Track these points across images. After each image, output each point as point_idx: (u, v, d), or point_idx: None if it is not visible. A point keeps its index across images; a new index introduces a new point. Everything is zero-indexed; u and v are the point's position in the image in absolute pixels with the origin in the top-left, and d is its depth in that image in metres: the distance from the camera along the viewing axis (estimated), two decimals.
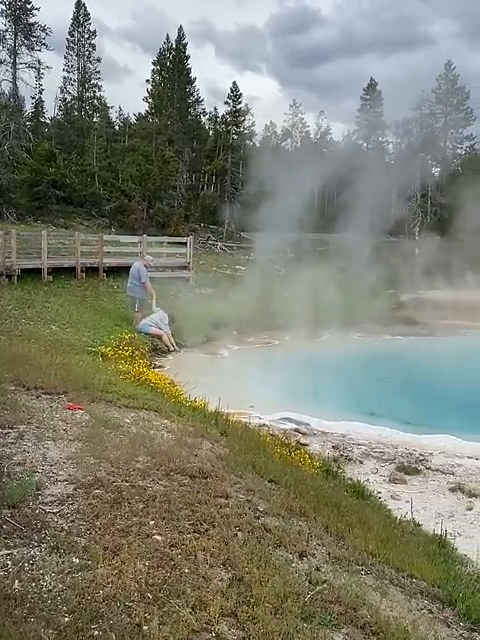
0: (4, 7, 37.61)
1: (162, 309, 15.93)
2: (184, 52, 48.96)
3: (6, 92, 39.78)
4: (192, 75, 49.92)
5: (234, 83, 48.82)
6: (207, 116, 56.09)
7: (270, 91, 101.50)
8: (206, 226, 44.24)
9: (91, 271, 20.11)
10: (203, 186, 52.79)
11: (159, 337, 15.26)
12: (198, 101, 52.45)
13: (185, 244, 24.12)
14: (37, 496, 4.07)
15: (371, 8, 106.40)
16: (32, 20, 38.50)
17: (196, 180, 52.26)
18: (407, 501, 6.92)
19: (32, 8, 38.40)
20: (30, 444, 5.01)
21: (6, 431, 5.21)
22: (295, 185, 26.85)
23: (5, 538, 3.48)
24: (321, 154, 56.73)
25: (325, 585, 3.57)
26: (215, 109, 56.68)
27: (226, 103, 49.44)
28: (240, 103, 49.28)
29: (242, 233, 43.71)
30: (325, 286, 22.88)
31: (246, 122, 51.61)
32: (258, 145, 60.05)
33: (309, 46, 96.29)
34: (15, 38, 38.25)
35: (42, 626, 2.74)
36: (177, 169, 43.61)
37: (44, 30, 38.60)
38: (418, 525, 6.23)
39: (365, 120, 57.87)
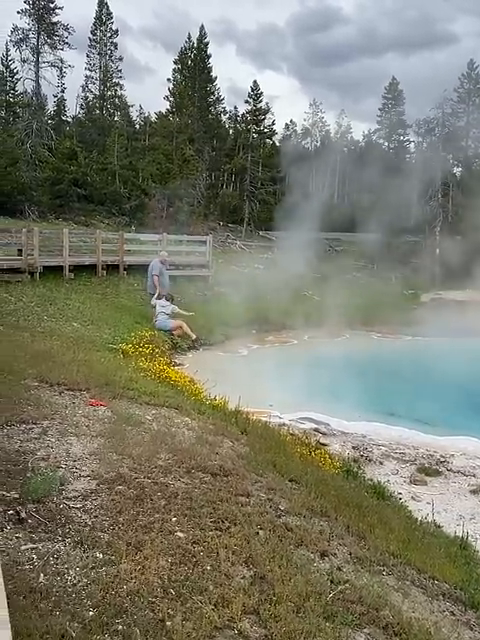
0: (28, 6, 37.90)
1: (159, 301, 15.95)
2: (205, 51, 49.12)
3: (29, 91, 40.23)
4: (213, 74, 50.11)
5: (254, 82, 48.72)
6: (227, 115, 56.24)
7: (291, 90, 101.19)
8: (225, 225, 44.28)
9: (111, 269, 20.22)
10: (222, 185, 52.83)
11: (180, 328, 15.34)
12: (219, 100, 52.64)
13: (204, 243, 24.16)
14: (61, 491, 4.12)
15: (393, 7, 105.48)
16: (55, 19, 38.79)
17: (215, 179, 52.30)
18: (428, 502, 6.88)
19: (55, 7, 38.66)
20: (53, 440, 5.07)
21: (30, 426, 5.27)
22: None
23: (30, 532, 3.52)
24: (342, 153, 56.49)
25: (347, 585, 3.56)
26: (235, 108, 56.79)
27: (246, 102, 49.47)
28: (260, 102, 49.28)
29: (261, 232, 43.70)
30: (345, 285, 22.83)
31: (266, 121, 51.55)
32: (278, 144, 60.02)
33: (330, 45, 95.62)
34: (38, 37, 38.52)
35: (67, 619, 2.77)
36: (197, 168, 43.71)
37: (67, 29, 38.85)
38: (439, 527, 6.18)
39: (386, 119, 57.52)
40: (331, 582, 3.57)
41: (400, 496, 7.09)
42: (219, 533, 3.86)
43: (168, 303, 15.79)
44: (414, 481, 7.79)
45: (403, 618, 3.36)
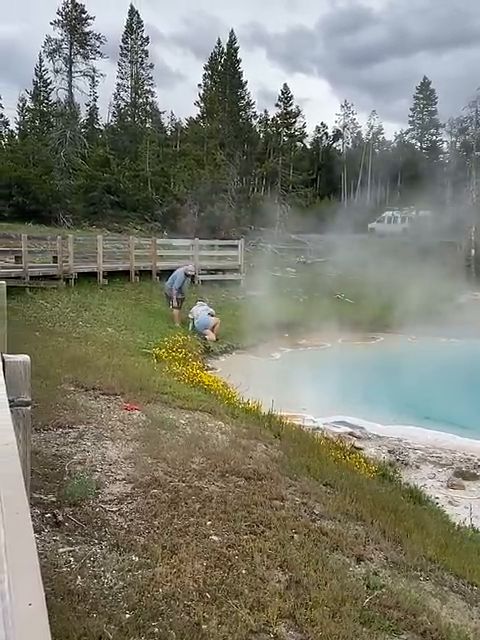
0: (60, 18, 38.62)
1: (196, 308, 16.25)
2: (235, 56, 49.22)
3: (62, 100, 40.92)
4: (243, 79, 50.19)
5: (285, 85, 48.68)
6: (258, 119, 56.32)
7: (321, 92, 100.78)
8: (257, 228, 44.29)
9: (144, 274, 20.39)
10: (254, 189, 52.90)
11: (217, 325, 15.70)
12: (249, 104, 52.66)
13: (236, 247, 24.21)
14: (97, 495, 4.16)
15: (424, 5, 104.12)
16: (87, 29, 39.42)
17: (246, 183, 52.40)
18: (466, 507, 6.76)
19: (87, 18, 39.30)
20: (89, 443, 5.13)
21: (66, 431, 5.35)
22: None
23: (67, 535, 3.57)
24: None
25: (383, 590, 3.53)
26: (266, 112, 56.84)
27: (277, 105, 49.52)
28: (291, 105, 49.26)
29: (293, 235, 43.59)
30: (378, 288, 22.60)
31: (297, 124, 51.48)
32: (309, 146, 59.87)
33: (361, 46, 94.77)
34: (71, 47, 39.20)
35: (104, 622, 2.80)
36: (228, 172, 43.85)
37: (98, 39, 39.47)
38: (477, 531, 6.07)
39: (418, 119, 56.98)
40: (367, 587, 3.54)
41: (437, 500, 6.99)
42: (254, 537, 3.85)
43: (204, 303, 16.09)
44: (451, 485, 7.67)
45: (442, 624, 3.31)
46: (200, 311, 15.79)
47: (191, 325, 15.77)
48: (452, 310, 22.83)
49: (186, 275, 16.64)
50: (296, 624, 3.03)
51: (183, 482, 4.58)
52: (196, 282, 20.32)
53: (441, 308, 22.44)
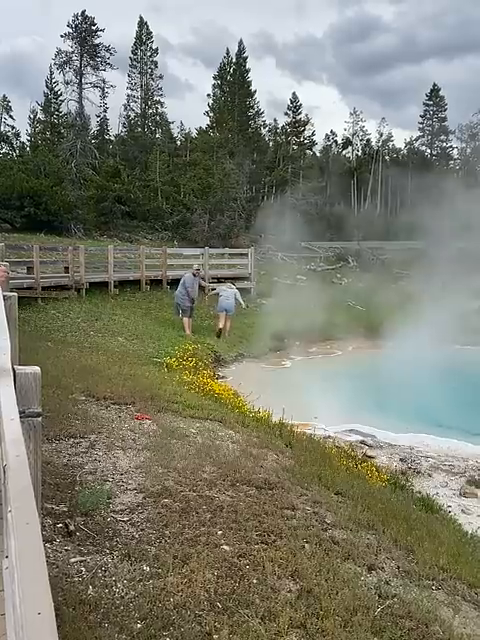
0: (71, 30, 38.98)
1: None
2: (244, 66, 49.52)
3: (73, 112, 41.25)
4: (252, 88, 50.46)
5: (294, 94, 49.08)
6: (267, 128, 56.54)
7: (331, 100, 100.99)
8: (266, 236, 44.33)
9: (155, 283, 20.49)
10: (263, 197, 53.01)
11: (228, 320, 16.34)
12: (258, 113, 52.92)
13: (246, 255, 24.27)
14: (108, 504, 4.18)
15: (434, 11, 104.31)
16: (97, 41, 39.75)
17: (256, 191, 52.52)
18: (479, 515, 6.72)
19: (97, 30, 39.62)
20: (101, 453, 5.15)
21: (78, 440, 5.38)
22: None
23: (79, 545, 3.59)
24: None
25: (395, 599, 3.51)
26: (275, 120, 57.06)
27: (286, 114, 49.75)
28: (300, 114, 49.46)
29: (303, 243, 43.59)
30: (388, 295, 22.57)
31: (306, 132, 51.64)
32: (318, 154, 59.95)
33: (370, 53, 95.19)
34: (81, 59, 39.52)
35: (116, 632, 2.82)
36: (238, 181, 43.98)
37: (108, 50, 39.76)
38: None
39: (428, 126, 56.95)
40: (379, 596, 3.53)
41: (449, 509, 6.93)
42: (265, 546, 3.85)
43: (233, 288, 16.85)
44: (464, 494, 7.61)
45: (454, 634, 3.30)
46: (225, 293, 16.49)
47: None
48: (464, 316, 22.73)
49: (194, 276, 16.66)
50: (307, 634, 3.03)
51: (194, 492, 4.58)
52: (206, 290, 20.37)
53: (453, 315, 22.36)
